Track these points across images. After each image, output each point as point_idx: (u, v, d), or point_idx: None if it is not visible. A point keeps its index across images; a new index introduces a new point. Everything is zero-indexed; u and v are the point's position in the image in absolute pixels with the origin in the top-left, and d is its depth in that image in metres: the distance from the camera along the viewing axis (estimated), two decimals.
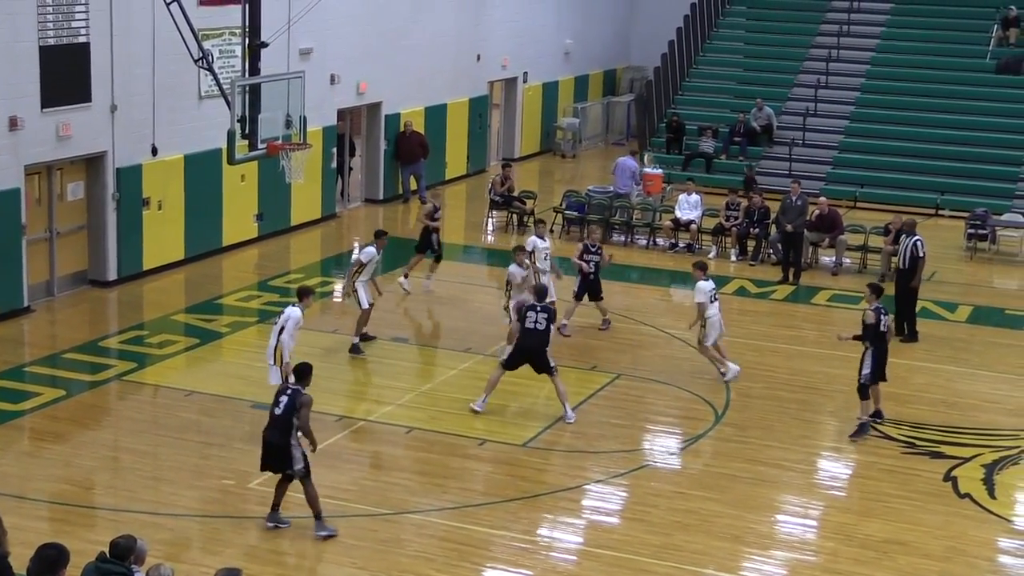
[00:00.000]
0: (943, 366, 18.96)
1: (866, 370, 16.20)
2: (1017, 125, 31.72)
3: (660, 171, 29.19)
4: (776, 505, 14.39)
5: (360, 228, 26.74)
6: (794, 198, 24.25)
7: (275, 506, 13.10)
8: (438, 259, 21.96)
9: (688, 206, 25.82)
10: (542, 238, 19.88)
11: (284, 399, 12.92)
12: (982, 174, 30.04)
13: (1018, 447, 16.12)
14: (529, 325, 16.11)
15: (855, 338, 16.34)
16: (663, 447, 16.02)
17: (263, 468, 13.16)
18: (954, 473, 15.24)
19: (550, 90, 36.24)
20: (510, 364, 16.41)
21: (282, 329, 15.59)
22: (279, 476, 13.05)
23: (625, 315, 20.99)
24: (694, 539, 13.29)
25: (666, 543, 13.19)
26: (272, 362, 15.63)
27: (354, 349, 18.42)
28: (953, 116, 32.16)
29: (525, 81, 34.94)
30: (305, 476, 12.90)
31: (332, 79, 26.42)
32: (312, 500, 12.94)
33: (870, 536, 13.56)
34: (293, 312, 15.70)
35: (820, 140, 32.30)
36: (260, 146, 19.59)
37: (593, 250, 20.06)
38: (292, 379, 13.47)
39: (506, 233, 26.84)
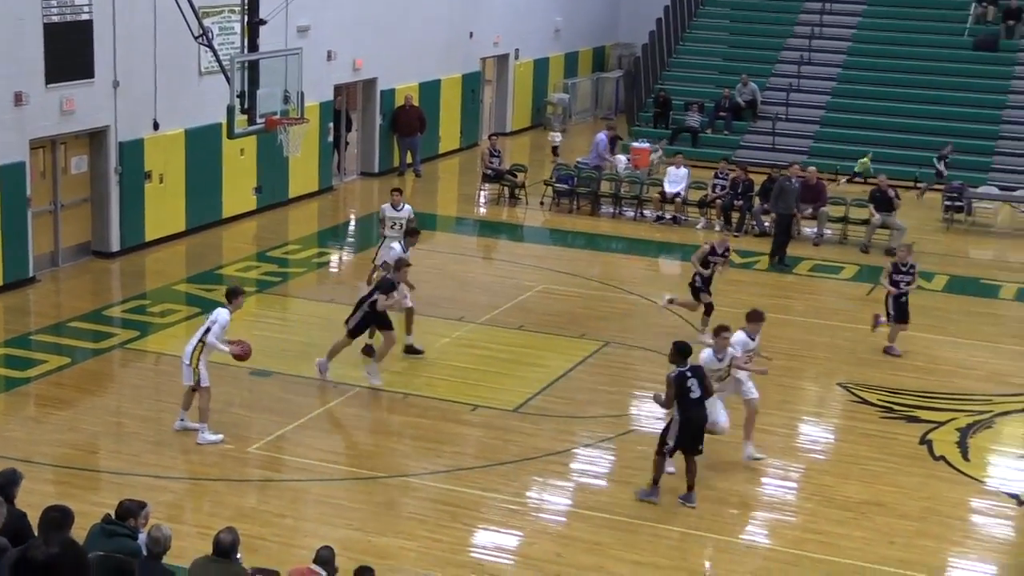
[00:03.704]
0: (921, 334, 19.25)
1: None
2: (993, 100, 32.39)
3: (647, 145, 29.74)
4: (757, 467, 14.62)
5: (356, 200, 27.24)
6: (794, 180, 23.70)
7: (690, 486, 13.61)
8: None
9: (676, 179, 26.34)
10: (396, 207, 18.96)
11: (694, 382, 13.40)
12: (959, 148, 30.24)
13: (991, 411, 16.57)
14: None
15: None
16: (648, 412, 16.10)
17: (688, 448, 13.54)
18: (929, 436, 15.62)
19: (541, 66, 36.64)
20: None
21: (207, 330, 14.55)
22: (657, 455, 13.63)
23: (614, 285, 21.54)
24: (674, 499, 13.56)
25: (648, 504, 13.49)
26: (188, 362, 14.57)
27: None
28: (932, 92, 32.72)
29: (516, 58, 35.33)
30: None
31: (329, 56, 26.74)
32: (693, 472, 13.56)
33: (849, 498, 13.87)
34: (221, 314, 14.59)
35: (803, 115, 32.77)
36: (259, 121, 19.81)
37: (719, 252, 19.22)
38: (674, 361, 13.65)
39: (498, 205, 27.33)
